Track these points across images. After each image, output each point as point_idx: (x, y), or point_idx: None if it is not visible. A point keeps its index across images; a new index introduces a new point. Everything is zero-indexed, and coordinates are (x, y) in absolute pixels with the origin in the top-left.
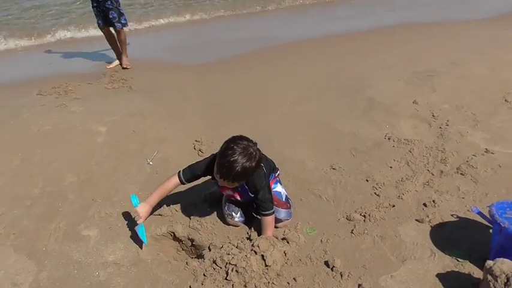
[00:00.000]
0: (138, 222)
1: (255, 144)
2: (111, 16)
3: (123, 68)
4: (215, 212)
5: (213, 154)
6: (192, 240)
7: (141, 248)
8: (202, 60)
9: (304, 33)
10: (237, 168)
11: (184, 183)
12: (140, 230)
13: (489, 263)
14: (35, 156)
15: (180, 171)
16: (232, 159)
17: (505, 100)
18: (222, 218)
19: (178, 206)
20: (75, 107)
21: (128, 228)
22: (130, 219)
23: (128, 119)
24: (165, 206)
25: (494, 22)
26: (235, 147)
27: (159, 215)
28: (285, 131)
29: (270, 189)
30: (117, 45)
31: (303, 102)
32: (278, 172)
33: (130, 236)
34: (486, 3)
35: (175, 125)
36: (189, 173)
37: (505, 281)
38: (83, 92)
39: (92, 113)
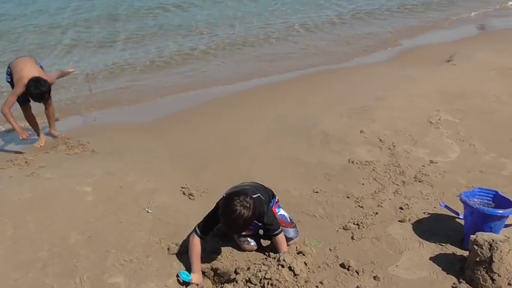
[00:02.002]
0: None
1: (246, 195)
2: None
3: (54, 137)
4: (227, 242)
5: (215, 207)
6: (215, 270)
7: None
8: (152, 117)
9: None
10: (240, 222)
11: (204, 238)
12: None
13: (472, 237)
14: (28, 223)
15: (195, 230)
16: (233, 216)
17: (430, 122)
18: (237, 247)
19: None
20: (48, 174)
21: (154, 272)
22: (154, 264)
23: (110, 177)
24: None
25: (392, 64)
26: (233, 207)
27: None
28: (261, 168)
29: (272, 213)
30: (37, 123)
31: (267, 143)
32: (277, 198)
33: (160, 276)
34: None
35: (157, 178)
36: (205, 229)
37: (489, 246)
38: (46, 160)
39: (69, 176)
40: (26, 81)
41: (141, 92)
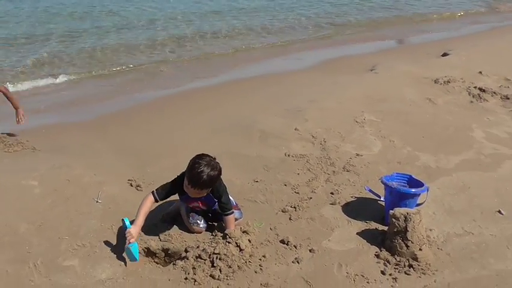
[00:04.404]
0: (130, 241)
1: (215, 158)
2: None
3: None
4: (176, 227)
5: (178, 175)
6: (166, 250)
7: (125, 265)
8: (91, 117)
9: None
10: (204, 177)
11: (158, 201)
12: (134, 248)
13: (391, 212)
14: None
15: (153, 192)
16: (199, 170)
17: (356, 121)
18: (186, 229)
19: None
20: None
21: (110, 250)
22: (109, 244)
23: (55, 171)
24: None
25: (322, 71)
26: (200, 161)
27: None
28: None
29: (228, 194)
30: None
31: (208, 140)
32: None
33: (114, 257)
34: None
35: (104, 172)
36: (162, 192)
37: (404, 218)
38: None
39: (12, 172)
40: None
41: (80, 93)
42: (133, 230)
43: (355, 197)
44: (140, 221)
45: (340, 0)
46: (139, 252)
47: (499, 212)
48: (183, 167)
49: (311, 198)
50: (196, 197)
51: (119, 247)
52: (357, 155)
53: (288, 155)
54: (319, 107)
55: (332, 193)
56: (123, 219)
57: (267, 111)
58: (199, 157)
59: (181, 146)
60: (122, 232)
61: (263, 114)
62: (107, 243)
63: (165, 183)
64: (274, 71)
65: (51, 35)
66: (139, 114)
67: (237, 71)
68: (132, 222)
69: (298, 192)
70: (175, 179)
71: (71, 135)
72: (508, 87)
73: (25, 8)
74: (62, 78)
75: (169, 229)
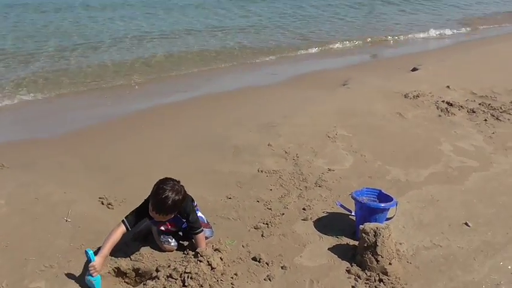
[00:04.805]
0: (93, 275)
1: (179, 181)
2: None
3: None
4: (148, 246)
5: (144, 200)
6: (137, 270)
7: None
8: (60, 133)
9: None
10: (169, 203)
11: (129, 230)
12: (96, 282)
13: (361, 226)
14: None
15: (123, 220)
16: (163, 196)
17: (328, 136)
18: (157, 248)
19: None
20: None
21: (79, 272)
22: (78, 264)
23: (23, 189)
24: None
25: (294, 86)
26: (164, 187)
27: None
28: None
29: (196, 213)
30: None
31: (181, 156)
32: (196, 203)
33: (83, 278)
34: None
35: (74, 189)
36: (133, 219)
37: (374, 233)
38: None
39: None
40: None
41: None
42: (98, 263)
43: (327, 212)
44: (106, 251)
45: (313, 16)
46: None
47: (466, 224)
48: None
49: (283, 214)
50: (163, 220)
51: (88, 269)
52: (329, 170)
53: (261, 171)
54: (292, 122)
55: (304, 209)
56: (86, 251)
57: (240, 126)
58: (163, 182)
59: (153, 163)
60: (86, 263)
61: (236, 130)
62: (75, 263)
63: (134, 209)
64: (247, 86)
65: (16, 52)
66: (111, 131)
67: (209, 87)
68: (96, 253)
69: (270, 209)
70: (141, 204)
71: (40, 152)
72: (474, 100)
73: None
74: (30, 95)
75: (140, 248)
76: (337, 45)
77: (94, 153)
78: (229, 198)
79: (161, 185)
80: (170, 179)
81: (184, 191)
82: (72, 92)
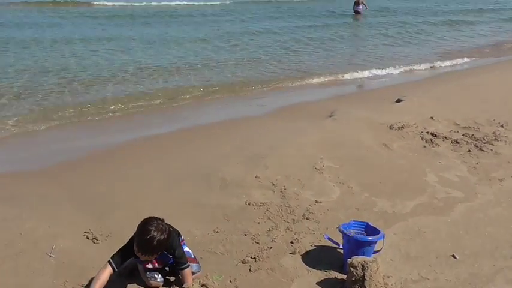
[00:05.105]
0: None
1: (163, 220)
2: None
3: None
4: (133, 282)
5: (130, 238)
6: None
7: None
8: (43, 166)
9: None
10: (154, 243)
11: (116, 270)
12: None
13: (349, 260)
14: None
15: (109, 261)
16: (148, 237)
17: (315, 168)
18: (143, 283)
19: None
20: None
21: None
22: None
23: (6, 223)
24: None
25: (280, 117)
26: (148, 227)
27: None
28: (163, 213)
29: (182, 248)
30: None
31: (168, 190)
32: (182, 237)
33: None
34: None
35: (58, 223)
36: (119, 260)
37: (362, 267)
38: None
39: None
40: None
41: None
42: None
43: (315, 246)
44: None
45: (299, 48)
46: None
47: (453, 256)
48: (141, 219)
49: (271, 248)
50: (148, 260)
51: None
52: (316, 202)
53: (249, 204)
54: (280, 153)
55: (292, 242)
56: None
57: (227, 158)
58: (147, 222)
59: (140, 195)
60: None
61: (224, 162)
62: None
63: (119, 248)
64: (235, 117)
65: None
66: (95, 163)
67: (197, 118)
68: None
69: (258, 242)
70: (126, 243)
71: (23, 185)
72: (458, 131)
73: None
74: (11, 128)
75: (126, 284)
76: (322, 78)
77: (79, 186)
78: (217, 231)
79: (145, 225)
80: (154, 218)
81: (169, 229)
82: (57, 124)
